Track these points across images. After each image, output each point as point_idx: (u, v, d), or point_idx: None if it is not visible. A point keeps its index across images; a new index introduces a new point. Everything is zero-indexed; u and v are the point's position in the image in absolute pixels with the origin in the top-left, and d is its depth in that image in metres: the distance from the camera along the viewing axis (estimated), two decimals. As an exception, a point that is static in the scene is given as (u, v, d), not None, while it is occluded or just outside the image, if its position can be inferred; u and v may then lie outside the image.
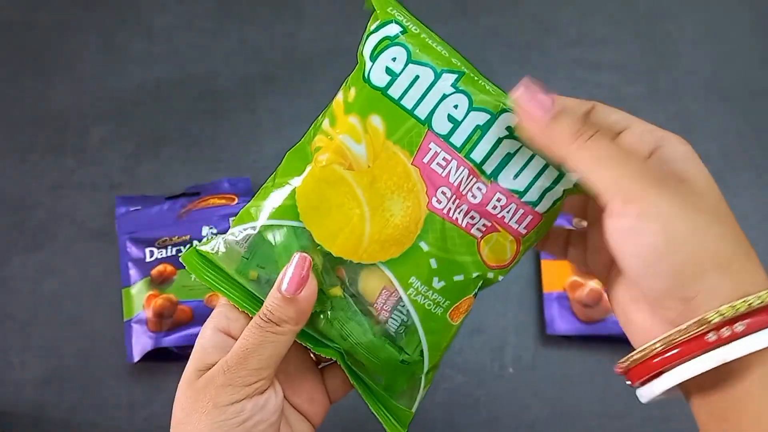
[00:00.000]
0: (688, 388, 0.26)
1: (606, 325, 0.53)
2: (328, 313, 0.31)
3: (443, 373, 0.55)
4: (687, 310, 0.24)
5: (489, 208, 0.29)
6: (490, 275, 0.31)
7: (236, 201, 0.58)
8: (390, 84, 0.28)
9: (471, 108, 0.28)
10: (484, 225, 0.30)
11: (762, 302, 0.23)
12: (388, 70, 0.28)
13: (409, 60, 0.28)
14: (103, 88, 0.65)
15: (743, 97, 0.65)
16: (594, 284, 0.55)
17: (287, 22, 0.68)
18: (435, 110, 0.28)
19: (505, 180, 0.29)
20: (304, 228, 0.30)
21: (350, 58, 0.67)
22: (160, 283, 0.54)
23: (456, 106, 0.28)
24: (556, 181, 0.29)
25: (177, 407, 0.29)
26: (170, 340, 0.53)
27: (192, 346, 0.55)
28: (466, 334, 0.56)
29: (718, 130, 0.64)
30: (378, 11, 0.30)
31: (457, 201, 0.29)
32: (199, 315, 0.53)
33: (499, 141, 0.28)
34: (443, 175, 0.28)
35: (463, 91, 0.28)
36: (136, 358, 0.52)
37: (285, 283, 0.28)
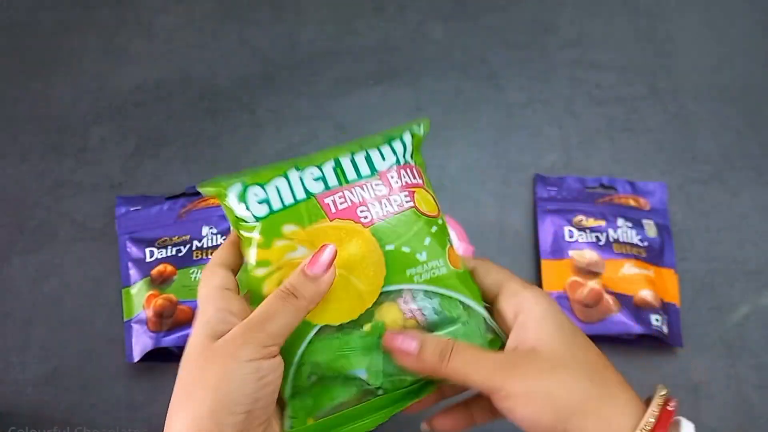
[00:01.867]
0: None
1: (606, 325, 0.53)
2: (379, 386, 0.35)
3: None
4: None
5: (394, 186, 0.36)
6: (439, 221, 0.37)
7: (236, 201, 0.58)
8: (270, 206, 0.35)
9: (318, 166, 0.36)
10: (405, 197, 0.36)
11: None
12: (260, 201, 0.35)
13: (262, 185, 0.36)
14: (104, 88, 0.65)
15: (743, 97, 0.65)
16: (594, 284, 0.55)
17: (287, 23, 0.68)
18: (305, 186, 0.36)
19: (382, 165, 0.37)
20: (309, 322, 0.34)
21: (350, 58, 0.68)
22: (160, 283, 0.54)
23: (313, 173, 0.36)
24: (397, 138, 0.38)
25: (189, 366, 0.31)
26: (170, 340, 0.53)
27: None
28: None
29: (718, 130, 0.64)
30: (219, 196, 0.36)
31: (375, 203, 0.35)
32: (199, 315, 0.54)
33: (352, 160, 0.37)
34: (351, 203, 0.35)
35: (304, 166, 0.36)
36: (136, 358, 0.52)
37: (314, 265, 0.33)
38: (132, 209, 0.58)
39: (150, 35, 0.67)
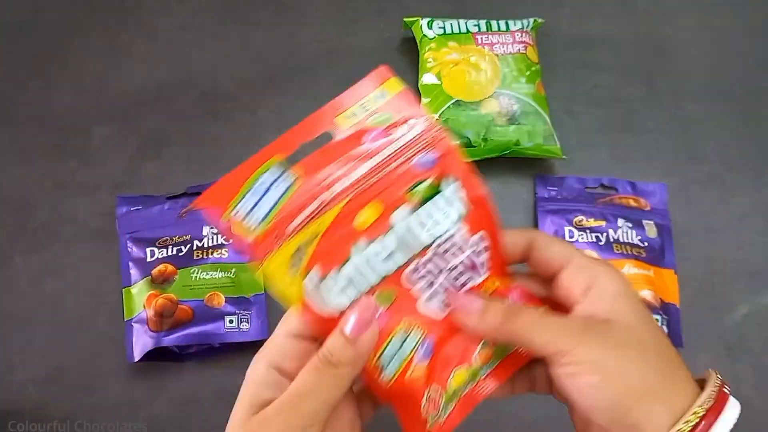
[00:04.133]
0: None
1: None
2: None
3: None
4: None
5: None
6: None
7: (237, 201, 0.58)
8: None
9: None
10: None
11: (690, 427, 0.27)
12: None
13: None
14: (106, 88, 0.65)
15: (742, 97, 0.65)
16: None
17: (288, 24, 0.68)
18: None
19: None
20: None
21: (350, 59, 0.68)
22: (160, 282, 0.54)
23: None
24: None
25: None
26: (171, 340, 0.53)
27: (192, 345, 0.55)
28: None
29: (717, 130, 0.64)
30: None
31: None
32: (200, 314, 0.54)
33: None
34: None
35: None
36: (137, 357, 0.52)
37: (348, 324, 0.29)
38: (133, 209, 0.58)
39: (152, 36, 0.67)
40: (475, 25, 0.63)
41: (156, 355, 0.53)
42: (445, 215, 0.30)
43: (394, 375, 0.30)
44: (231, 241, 0.28)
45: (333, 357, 0.28)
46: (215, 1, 0.69)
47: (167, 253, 0.55)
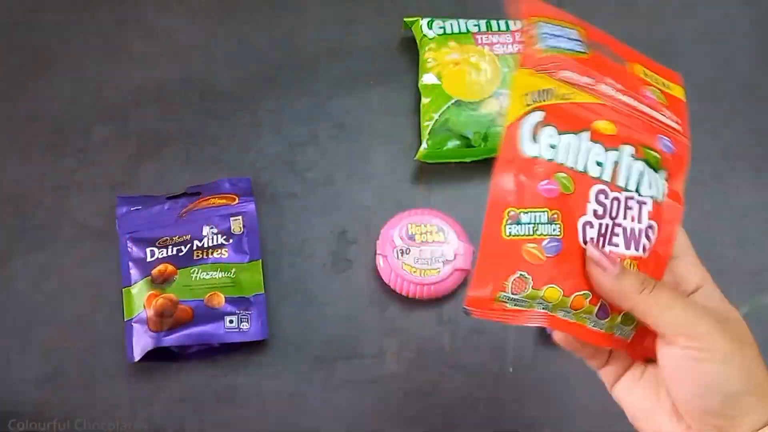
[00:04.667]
0: None
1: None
2: None
3: (443, 373, 0.55)
4: (727, 427, 0.29)
5: None
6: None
7: (237, 201, 0.58)
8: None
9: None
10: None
11: None
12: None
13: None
14: (104, 88, 0.65)
15: (743, 97, 0.65)
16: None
17: (288, 22, 0.68)
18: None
19: None
20: None
21: (350, 59, 0.68)
22: (160, 282, 0.54)
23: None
24: None
25: None
26: (171, 340, 0.53)
27: (192, 345, 0.56)
28: (466, 334, 0.56)
29: (718, 130, 0.64)
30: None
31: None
32: (200, 314, 0.54)
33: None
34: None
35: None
36: (137, 357, 0.52)
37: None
38: (133, 209, 0.58)
39: (151, 35, 0.67)
40: (475, 25, 0.63)
41: (156, 355, 0.53)
42: (651, 186, 0.32)
43: (520, 236, 0.30)
44: (521, 37, 0.32)
45: None
46: (215, 0, 0.69)
47: (167, 253, 0.55)
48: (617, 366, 0.35)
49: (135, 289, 0.55)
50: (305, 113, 0.64)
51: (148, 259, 0.55)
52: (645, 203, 0.32)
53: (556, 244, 0.31)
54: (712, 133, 0.64)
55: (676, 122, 0.33)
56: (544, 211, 0.30)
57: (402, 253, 0.55)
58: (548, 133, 0.30)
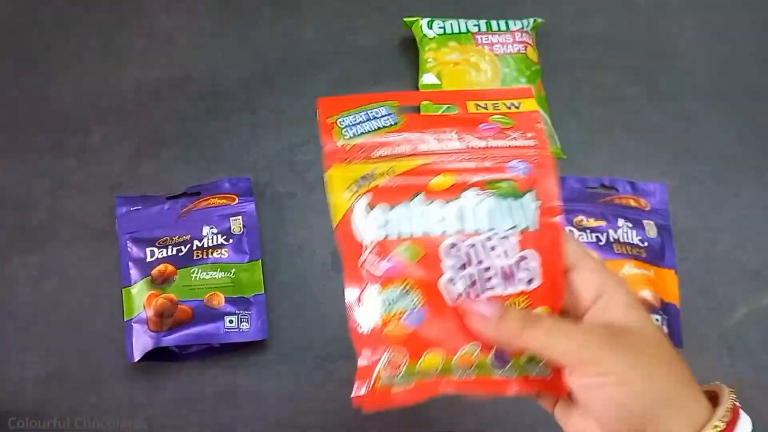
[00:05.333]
0: None
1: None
2: None
3: (443, 372, 0.55)
4: None
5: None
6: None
7: (237, 201, 0.58)
8: None
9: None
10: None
11: None
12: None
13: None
14: (104, 88, 0.65)
15: (743, 97, 0.65)
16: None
17: (287, 22, 0.68)
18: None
19: None
20: None
21: (350, 59, 0.68)
22: (160, 282, 0.54)
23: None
24: None
25: None
26: (171, 340, 0.53)
27: (192, 345, 0.56)
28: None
29: (718, 129, 0.64)
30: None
31: None
32: (200, 314, 0.54)
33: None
34: None
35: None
36: (137, 357, 0.52)
37: None
38: (132, 209, 0.58)
39: (151, 35, 0.67)
40: (475, 25, 0.63)
41: (156, 355, 0.53)
42: (511, 218, 0.30)
43: (378, 321, 0.30)
44: (322, 137, 0.31)
45: None
46: (214, 0, 0.69)
47: (167, 253, 0.55)
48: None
49: (135, 289, 0.54)
50: (305, 113, 0.64)
51: (148, 259, 0.55)
52: (508, 236, 0.30)
53: (418, 312, 0.30)
54: (712, 133, 0.64)
55: (530, 137, 0.31)
56: (393, 288, 0.30)
57: (402, 253, 0.55)
58: (375, 215, 0.30)
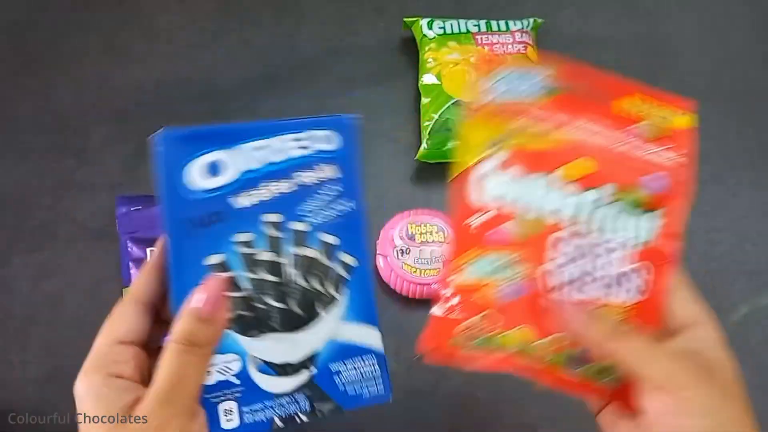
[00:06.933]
0: None
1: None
2: None
3: (444, 373, 0.55)
4: None
5: None
6: None
7: (237, 201, 0.58)
8: None
9: None
10: None
11: None
12: None
13: None
14: (104, 88, 0.65)
15: (743, 97, 0.65)
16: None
17: (288, 23, 0.68)
18: None
19: None
20: None
21: (350, 59, 0.68)
22: (160, 282, 0.54)
23: None
24: None
25: None
26: (171, 340, 0.53)
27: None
28: (467, 333, 0.56)
29: (718, 130, 0.64)
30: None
31: None
32: (200, 315, 0.54)
33: None
34: None
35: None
36: (137, 357, 0.52)
37: (201, 304, 0.29)
38: (133, 209, 0.58)
39: (151, 35, 0.67)
40: (475, 25, 0.63)
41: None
42: (636, 228, 0.30)
43: (471, 282, 0.30)
44: (475, 88, 0.31)
45: (195, 337, 0.29)
46: (215, 0, 0.69)
47: (167, 253, 0.55)
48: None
49: (135, 289, 0.54)
50: (305, 113, 0.64)
51: (148, 259, 0.55)
52: (627, 246, 0.30)
53: (517, 287, 0.30)
54: (712, 133, 0.64)
55: (675, 155, 0.31)
56: (501, 254, 0.30)
57: (402, 253, 0.55)
58: (504, 178, 0.30)
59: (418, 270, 0.55)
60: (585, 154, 0.30)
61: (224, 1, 0.69)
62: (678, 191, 0.31)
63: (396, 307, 0.57)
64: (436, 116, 0.59)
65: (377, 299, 0.57)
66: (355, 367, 0.34)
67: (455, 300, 0.30)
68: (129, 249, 0.56)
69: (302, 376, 0.33)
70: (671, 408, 0.28)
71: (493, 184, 0.30)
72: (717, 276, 0.59)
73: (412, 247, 0.55)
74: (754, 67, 0.67)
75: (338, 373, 0.34)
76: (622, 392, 0.31)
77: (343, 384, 0.34)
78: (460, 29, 0.63)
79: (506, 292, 0.30)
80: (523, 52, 0.62)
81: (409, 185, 0.61)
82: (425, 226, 0.56)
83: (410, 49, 0.65)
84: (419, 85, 0.61)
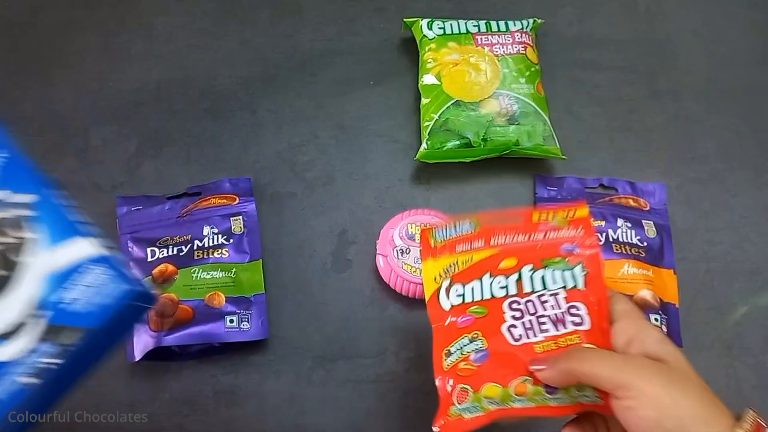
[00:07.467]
0: None
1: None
2: None
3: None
4: None
5: None
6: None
7: (237, 201, 0.58)
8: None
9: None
10: None
11: None
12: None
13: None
14: (105, 88, 0.65)
15: (742, 97, 0.65)
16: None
17: (287, 23, 0.68)
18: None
19: None
20: None
21: (350, 59, 0.68)
22: (161, 282, 0.54)
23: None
24: None
25: None
26: (171, 339, 0.53)
27: (192, 345, 0.56)
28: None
29: (718, 130, 0.64)
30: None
31: None
32: (200, 314, 0.54)
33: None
34: None
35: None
36: (138, 357, 0.52)
37: None
38: (133, 209, 0.58)
39: (151, 35, 0.67)
40: (475, 26, 0.63)
41: (156, 355, 0.53)
42: (562, 280, 0.39)
43: (454, 362, 0.39)
44: (421, 242, 0.43)
45: None
46: (214, 0, 0.69)
47: (168, 252, 0.55)
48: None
49: (135, 289, 0.54)
50: (305, 113, 0.64)
51: (149, 259, 0.55)
52: (558, 293, 0.39)
53: (482, 353, 0.38)
54: (712, 133, 0.64)
55: (581, 231, 0.40)
56: (465, 337, 0.39)
57: (402, 253, 0.55)
58: (455, 289, 0.41)
59: (418, 270, 0.55)
60: (508, 254, 0.41)
61: (223, 1, 0.69)
62: (591, 248, 0.40)
63: (396, 307, 0.57)
64: (436, 116, 0.59)
65: (377, 299, 0.57)
66: (84, 284, 0.32)
67: (450, 379, 0.38)
68: (129, 249, 0.56)
69: (34, 330, 0.32)
70: (629, 403, 0.32)
71: (450, 294, 0.41)
72: (717, 276, 0.59)
73: (412, 246, 0.55)
74: (754, 68, 0.67)
75: (73, 300, 0.32)
76: (606, 406, 0.35)
77: (83, 305, 0.32)
78: (459, 30, 0.63)
79: (474, 358, 0.38)
80: (523, 52, 0.62)
81: (409, 185, 0.61)
82: (425, 226, 0.56)
83: (410, 49, 0.65)
84: (419, 86, 0.62)
